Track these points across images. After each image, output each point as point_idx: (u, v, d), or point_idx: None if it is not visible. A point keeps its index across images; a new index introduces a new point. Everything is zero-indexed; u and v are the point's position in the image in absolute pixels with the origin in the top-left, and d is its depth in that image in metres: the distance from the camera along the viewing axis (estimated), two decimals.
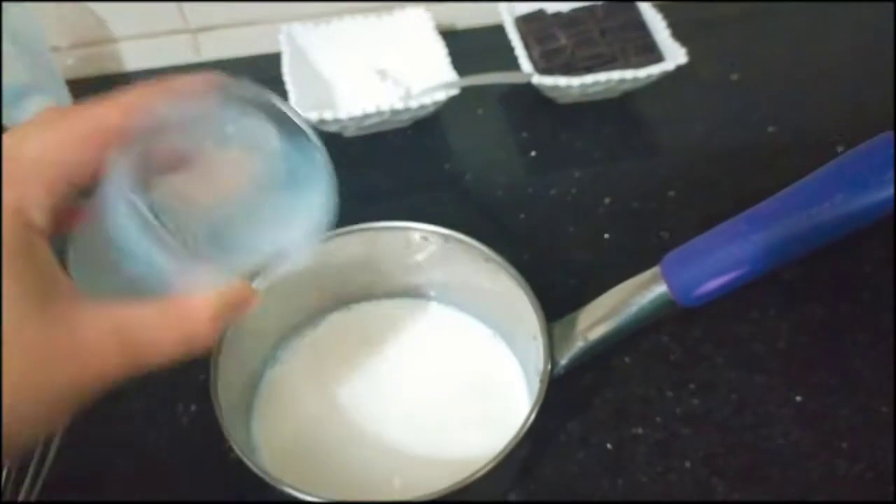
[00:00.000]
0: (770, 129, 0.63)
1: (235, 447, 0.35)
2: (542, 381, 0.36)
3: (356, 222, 0.56)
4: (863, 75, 0.68)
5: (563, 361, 0.37)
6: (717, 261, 0.32)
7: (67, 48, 0.67)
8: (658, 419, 0.46)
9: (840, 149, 0.62)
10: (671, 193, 0.59)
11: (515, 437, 0.34)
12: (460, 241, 0.43)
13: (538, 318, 0.39)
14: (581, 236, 0.56)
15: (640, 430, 0.46)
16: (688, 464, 0.44)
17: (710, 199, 0.58)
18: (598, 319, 0.36)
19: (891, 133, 0.28)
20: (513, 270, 0.41)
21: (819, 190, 0.30)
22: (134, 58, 0.69)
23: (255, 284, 0.41)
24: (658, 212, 0.57)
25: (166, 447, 0.46)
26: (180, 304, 0.26)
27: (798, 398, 0.47)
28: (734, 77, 0.68)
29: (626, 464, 0.44)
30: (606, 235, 0.56)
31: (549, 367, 0.37)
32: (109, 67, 0.70)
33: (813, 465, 0.44)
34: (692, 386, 0.47)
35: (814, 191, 0.30)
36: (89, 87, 0.67)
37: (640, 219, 0.57)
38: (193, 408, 0.47)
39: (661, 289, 0.34)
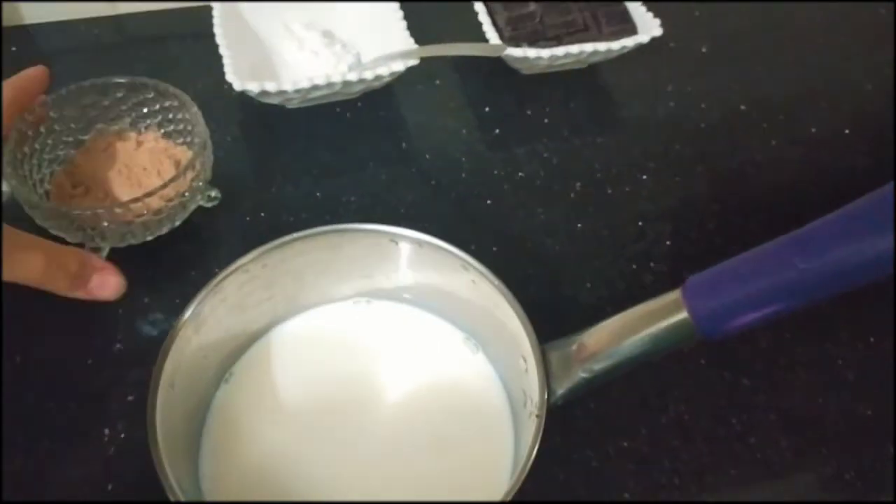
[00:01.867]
0: (742, 107, 0.60)
1: (174, 492, 0.30)
2: (539, 416, 0.32)
3: (308, 210, 0.51)
4: (835, 52, 0.65)
5: (561, 391, 0.33)
6: (755, 291, 0.28)
7: None
8: (643, 430, 0.43)
9: (813, 130, 0.59)
10: (644, 177, 0.55)
11: (516, 481, 0.30)
12: (436, 247, 0.38)
13: (529, 338, 0.34)
14: (553, 224, 0.52)
15: (625, 444, 0.42)
16: (676, 480, 0.41)
17: (686, 183, 0.55)
18: (603, 346, 0.32)
19: None
20: (497, 282, 0.36)
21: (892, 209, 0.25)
22: (39, 10, 0.60)
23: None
24: (633, 197, 0.54)
25: (88, 484, 0.39)
26: None
27: (784, 404, 0.45)
28: (704, 50, 0.64)
29: (612, 482, 0.41)
30: (579, 225, 0.52)
31: (546, 396, 0.33)
32: (11, 19, 0.60)
33: (803, 473, 0.42)
34: (676, 392, 0.45)
35: (886, 210, 0.25)
36: None
37: (615, 205, 0.53)
38: (123, 435, 0.41)
39: (681, 316, 0.29)
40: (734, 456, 0.43)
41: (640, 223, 0.52)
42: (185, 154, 0.47)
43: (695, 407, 0.44)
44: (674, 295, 0.30)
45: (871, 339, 0.48)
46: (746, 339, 0.47)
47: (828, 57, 0.65)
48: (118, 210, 0.41)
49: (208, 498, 0.34)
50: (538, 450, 0.40)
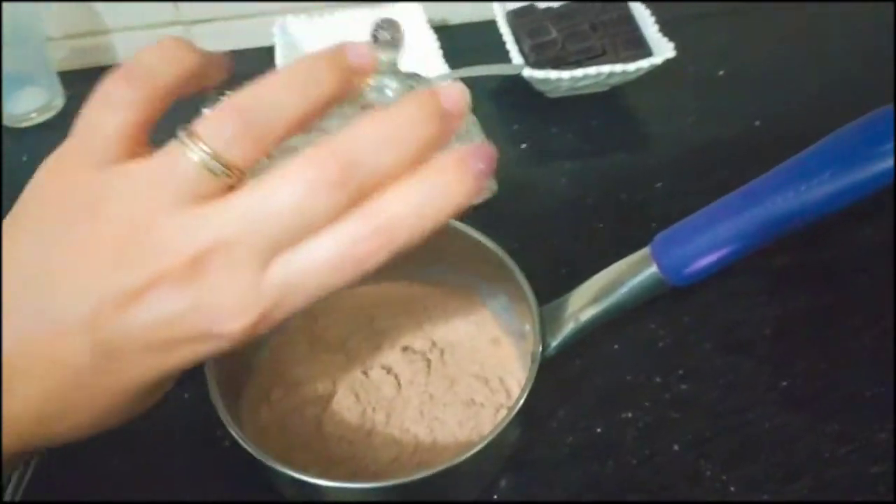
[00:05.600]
0: (756, 122, 0.64)
1: (232, 430, 0.35)
2: (533, 361, 0.37)
3: None
4: (845, 70, 0.69)
5: (555, 343, 0.38)
6: (707, 239, 0.33)
7: (60, 39, 0.68)
8: (646, 404, 0.47)
9: None
10: (659, 185, 0.60)
11: (506, 417, 0.35)
12: (451, 227, 0.43)
13: (530, 301, 0.39)
14: (570, 226, 0.57)
15: (629, 415, 0.46)
16: (676, 447, 0.45)
17: (698, 190, 0.59)
18: (588, 301, 0.37)
19: (887, 107, 0.29)
20: (504, 255, 0.42)
21: (811, 165, 0.30)
22: (127, 50, 0.70)
23: None
24: (647, 202, 0.58)
25: (159, 437, 0.46)
26: None
27: (784, 383, 0.48)
28: (721, 73, 0.69)
29: (616, 447, 0.45)
30: (598, 225, 0.57)
31: (541, 348, 0.38)
32: (102, 59, 0.70)
33: (799, 447, 0.45)
34: (680, 371, 0.48)
35: (805, 166, 0.30)
36: (81, 78, 0.67)
37: (629, 209, 0.58)
38: (186, 396, 0.47)
39: (651, 269, 0.34)
40: (732, 428, 0.46)
41: (652, 224, 0.56)
42: None
43: (697, 385, 0.48)
44: (644, 251, 0.35)
45: (872, 329, 0.50)
46: (751, 327, 0.50)
47: (842, 75, 0.69)
48: None
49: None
50: (549, 419, 0.45)
